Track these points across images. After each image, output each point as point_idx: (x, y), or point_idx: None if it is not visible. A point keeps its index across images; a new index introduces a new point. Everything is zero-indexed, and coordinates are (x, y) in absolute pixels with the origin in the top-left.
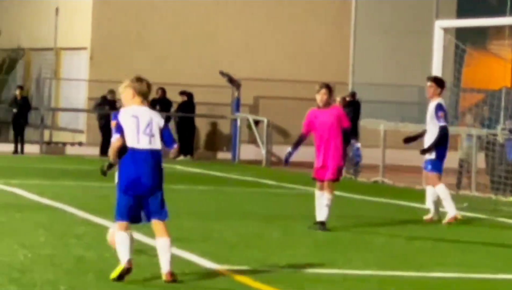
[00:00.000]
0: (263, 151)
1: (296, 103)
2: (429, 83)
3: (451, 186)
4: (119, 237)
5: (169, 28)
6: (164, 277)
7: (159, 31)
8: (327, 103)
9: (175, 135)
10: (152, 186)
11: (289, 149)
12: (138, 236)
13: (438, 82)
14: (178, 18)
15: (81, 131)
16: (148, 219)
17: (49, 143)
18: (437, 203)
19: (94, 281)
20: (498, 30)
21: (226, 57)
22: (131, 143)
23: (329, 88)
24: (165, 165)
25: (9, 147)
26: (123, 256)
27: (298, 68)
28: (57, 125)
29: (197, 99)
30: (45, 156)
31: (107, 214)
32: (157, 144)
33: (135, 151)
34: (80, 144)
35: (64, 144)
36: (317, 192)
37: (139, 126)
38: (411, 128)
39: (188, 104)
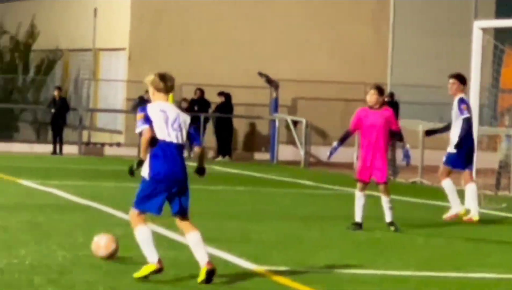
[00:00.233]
0: (301, 152)
1: (334, 104)
2: (451, 80)
3: (491, 186)
4: (141, 234)
5: (208, 29)
6: (204, 267)
7: (198, 32)
8: (377, 104)
9: (213, 136)
10: (183, 180)
11: (334, 143)
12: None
13: (461, 79)
14: (216, 19)
15: (119, 132)
16: (174, 214)
17: (87, 143)
18: (474, 201)
19: (133, 282)
20: None
21: (265, 57)
22: (161, 135)
23: (379, 89)
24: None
25: (47, 148)
26: (152, 255)
27: (336, 69)
28: (95, 125)
29: (235, 99)
30: (84, 156)
31: None
32: (183, 140)
33: (166, 144)
34: (118, 144)
35: (103, 144)
36: (358, 193)
37: (168, 120)
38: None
39: (226, 105)
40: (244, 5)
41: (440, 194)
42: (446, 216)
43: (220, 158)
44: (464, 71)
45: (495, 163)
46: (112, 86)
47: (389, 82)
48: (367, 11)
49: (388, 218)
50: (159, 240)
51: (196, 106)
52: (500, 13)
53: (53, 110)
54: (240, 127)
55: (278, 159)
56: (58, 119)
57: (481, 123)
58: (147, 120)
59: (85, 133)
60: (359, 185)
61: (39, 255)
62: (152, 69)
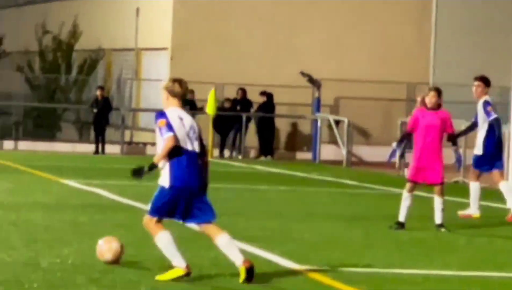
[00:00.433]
0: (343, 151)
1: (376, 103)
2: (476, 83)
3: None
4: (162, 240)
5: (250, 28)
6: (242, 267)
7: (240, 31)
8: (436, 106)
9: (255, 136)
10: (204, 188)
11: (393, 145)
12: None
13: (486, 81)
14: (258, 18)
15: None
16: (187, 220)
17: (130, 143)
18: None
19: (174, 282)
20: None
21: (307, 57)
22: (182, 143)
23: (438, 91)
24: (246, 166)
25: (90, 148)
26: (178, 260)
27: (379, 68)
28: (137, 125)
29: (277, 99)
30: (126, 156)
31: None
32: (199, 148)
33: (187, 152)
34: None
35: (145, 144)
36: (406, 193)
37: (185, 128)
38: None
39: (268, 105)
40: (287, 4)
41: (483, 194)
42: (462, 213)
43: (262, 158)
44: (507, 70)
45: None
46: (154, 86)
47: (431, 81)
48: (409, 10)
49: (438, 219)
50: (197, 241)
51: (238, 106)
52: None
53: (95, 110)
54: (282, 126)
55: (320, 158)
56: (101, 119)
57: None
58: (170, 127)
59: (127, 133)
60: (408, 185)
61: (82, 254)
62: (194, 68)
